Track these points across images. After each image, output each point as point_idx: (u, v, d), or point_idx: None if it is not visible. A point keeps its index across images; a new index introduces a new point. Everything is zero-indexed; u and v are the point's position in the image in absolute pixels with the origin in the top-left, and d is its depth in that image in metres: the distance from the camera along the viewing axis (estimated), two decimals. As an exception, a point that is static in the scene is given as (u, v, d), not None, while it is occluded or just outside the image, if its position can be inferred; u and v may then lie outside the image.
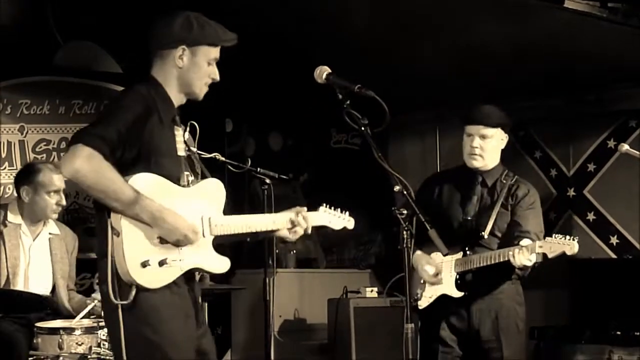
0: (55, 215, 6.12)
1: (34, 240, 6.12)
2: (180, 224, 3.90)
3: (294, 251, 9.08)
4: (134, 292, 3.83)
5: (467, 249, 5.41)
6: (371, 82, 4.04)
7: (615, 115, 8.50)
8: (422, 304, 5.56)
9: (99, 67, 7.58)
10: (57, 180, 6.04)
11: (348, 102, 4.03)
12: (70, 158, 3.75)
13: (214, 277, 6.68)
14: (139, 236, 3.84)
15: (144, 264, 3.83)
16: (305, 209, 4.37)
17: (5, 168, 7.44)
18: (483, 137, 5.50)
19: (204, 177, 4.21)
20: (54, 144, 7.55)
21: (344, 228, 4.68)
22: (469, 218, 5.53)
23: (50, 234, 6.18)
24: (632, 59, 7.52)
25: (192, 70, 4.09)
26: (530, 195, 5.54)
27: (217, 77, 4.19)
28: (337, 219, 4.64)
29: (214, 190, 4.15)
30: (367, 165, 6.69)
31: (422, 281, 5.59)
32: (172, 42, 4.05)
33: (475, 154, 5.51)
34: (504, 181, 5.56)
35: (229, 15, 7.21)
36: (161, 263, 3.87)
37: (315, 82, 4.17)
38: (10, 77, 7.46)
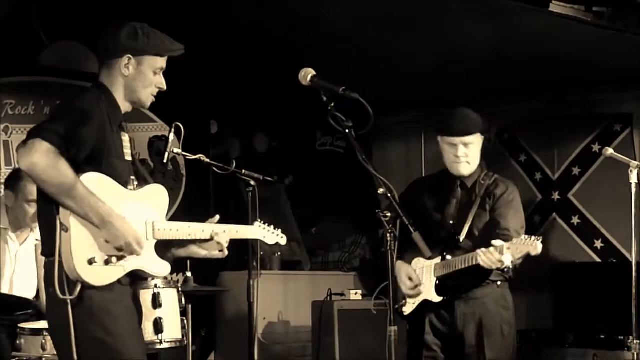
0: (36, 225, 6.10)
1: (20, 245, 6.11)
2: (127, 231, 3.96)
3: (279, 253, 9.07)
4: (78, 289, 3.87)
5: (445, 253, 5.42)
6: (356, 84, 4.03)
7: (600, 118, 8.53)
8: (407, 310, 5.56)
9: (84, 68, 7.55)
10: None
11: (332, 104, 4.02)
12: (27, 152, 3.79)
13: (198, 279, 6.68)
14: (87, 233, 3.91)
15: (91, 261, 3.89)
16: (217, 217, 4.41)
17: (-12, 168, 7.42)
18: (466, 144, 5.49)
19: (146, 182, 4.25)
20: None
21: (277, 244, 4.82)
22: (449, 222, 5.54)
23: (37, 240, 6.15)
24: (616, 62, 7.55)
25: (137, 79, 4.15)
26: (509, 193, 5.53)
27: (164, 87, 4.23)
28: (271, 235, 4.81)
29: (158, 195, 4.22)
30: (351, 168, 6.71)
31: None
32: (118, 52, 4.12)
33: (462, 162, 5.51)
34: (483, 182, 5.56)
35: (214, 18, 7.24)
36: (107, 262, 3.94)
37: (300, 84, 4.16)
38: (-6, 77, 7.44)
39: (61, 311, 3.89)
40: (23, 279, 6.08)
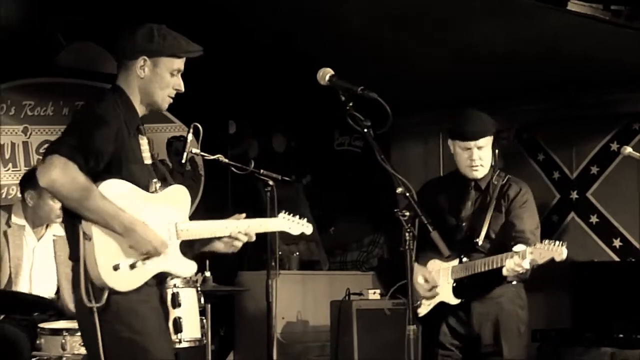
0: (60, 220, 6.13)
1: (38, 241, 6.14)
2: (150, 236, 3.97)
3: (297, 253, 9.09)
4: (106, 295, 3.88)
5: (462, 256, 5.40)
6: (374, 84, 4.04)
7: (619, 117, 8.50)
8: (422, 311, 5.53)
9: (101, 69, 7.59)
10: None
11: (351, 104, 4.03)
12: (47, 169, 3.80)
13: (217, 278, 6.70)
14: (110, 240, 3.91)
15: (116, 267, 3.90)
16: (243, 215, 4.39)
17: (9, 169, 7.45)
18: (480, 147, 5.46)
19: (170, 184, 4.24)
20: (58, 145, 7.55)
21: (302, 233, 4.75)
22: (464, 224, 5.51)
23: (54, 235, 6.18)
24: (635, 61, 7.52)
25: (153, 80, 4.11)
26: (523, 194, 5.50)
27: (182, 89, 4.18)
28: (296, 225, 4.72)
29: (179, 196, 4.21)
30: (369, 168, 6.72)
31: None
32: (134, 53, 4.09)
33: (477, 166, 5.49)
34: (496, 182, 5.53)
35: (232, 17, 7.26)
36: (132, 266, 3.95)
37: (318, 84, 4.17)
38: (13, 79, 7.47)
39: (88, 317, 3.91)
40: (42, 275, 6.11)
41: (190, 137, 5.61)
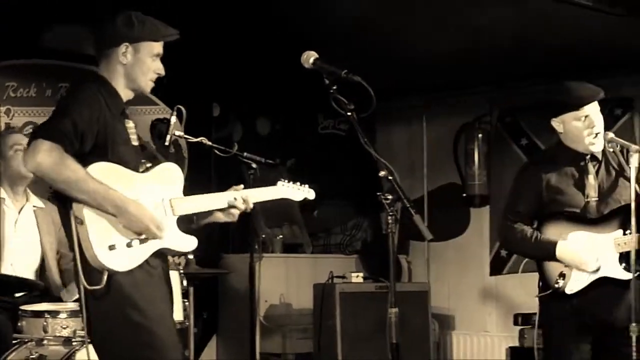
0: (31, 175, 6.04)
1: (19, 213, 6.10)
2: (143, 215, 3.98)
3: (281, 236, 9.10)
4: (105, 277, 3.90)
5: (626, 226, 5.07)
6: (359, 67, 4.05)
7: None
8: (574, 287, 5.12)
9: (85, 50, 7.55)
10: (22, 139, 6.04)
11: (335, 87, 4.04)
12: (31, 153, 3.84)
13: (200, 261, 6.71)
14: (103, 221, 3.92)
15: (111, 247, 3.91)
16: (241, 186, 4.43)
17: (-9, 151, 7.41)
18: (596, 113, 5.21)
19: (160, 162, 4.27)
20: (40, 126, 7.52)
21: (305, 199, 4.78)
22: (593, 199, 5.21)
23: (34, 206, 6.15)
24: (617, 47, 7.55)
25: (136, 66, 4.19)
26: None
27: (162, 72, 4.26)
28: (297, 191, 4.76)
29: (171, 173, 4.23)
30: (353, 151, 6.73)
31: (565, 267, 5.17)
32: (115, 40, 4.17)
33: (599, 133, 5.19)
34: (610, 149, 5.27)
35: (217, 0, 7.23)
36: (129, 245, 3.96)
37: (302, 67, 4.18)
38: (-4, 60, 7.45)
39: (90, 301, 3.94)
40: (26, 247, 6.05)
41: (173, 119, 5.59)
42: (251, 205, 4.40)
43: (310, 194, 4.81)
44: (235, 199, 4.34)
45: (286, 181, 4.73)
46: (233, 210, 4.37)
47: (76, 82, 4.28)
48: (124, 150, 4.07)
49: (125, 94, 4.22)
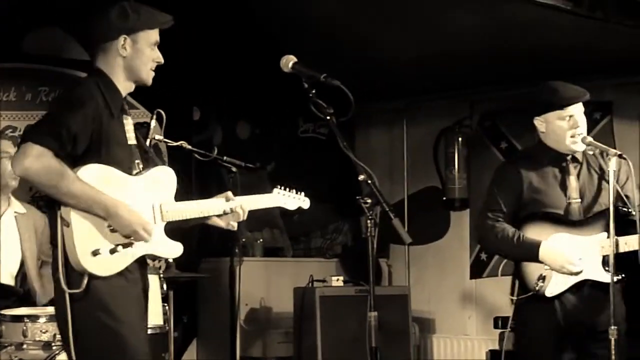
0: (15, 183, 6.04)
1: (0, 218, 6.08)
2: (133, 219, 3.96)
3: (261, 240, 9.10)
4: (85, 281, 3.89)
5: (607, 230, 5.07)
6: (339, 71, 4.06)
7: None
8: (554, 290, 5.13)
9: (66, 54, 7.55)
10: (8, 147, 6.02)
11: (314, 91, 4.05)
12: (20, 157, 3.82)
13: (180, 265, 6.70)
14: (89, 226, 3.91)
15: (95, 253, 3.89)
16: (229, 193, 4.37)
17: (-29, 154, 7.39)
18: (580, 114, 5.21)
19: (155, 164, 4.25)
20: (20, 130, 7.50)
21: (299, 208, 4.75)
22: (575, 200, 5.22)
23: (16, 212, 6.14)
24: (596, 51, 7.58)
25: (136, 57, 4.15)
26: (625, 163, 5.16)
27: (162, 60, 4.24)
28: (292, 200, 4.72)
29: (164, 177, 4.20)
30: (334, 155, 6.73)
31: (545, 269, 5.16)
32: (113, 33, 4.12)
33: (581, 134, 5.19)
34: (590, 152, 5.26)
35: (197, 4, 7.24)
36: (112, 251, 3.94)
37: (282, 71, 4.18)
38: (-24, 64, 7.43)
39: (66, 303, 3.91)
40: (5, 253, 6.03)
41: (153, 123, 5.59)
42: (246, 214, 4.37)
43: (305, 203, 4.76)
44: (231, 209, 4.31)
45: (282, 188, 4.69)
46: (233, 223, 4.34)
47: (75, 81, 4.23)
48: (118, 150, 4.04)
49: (125, 87, 4.18)
